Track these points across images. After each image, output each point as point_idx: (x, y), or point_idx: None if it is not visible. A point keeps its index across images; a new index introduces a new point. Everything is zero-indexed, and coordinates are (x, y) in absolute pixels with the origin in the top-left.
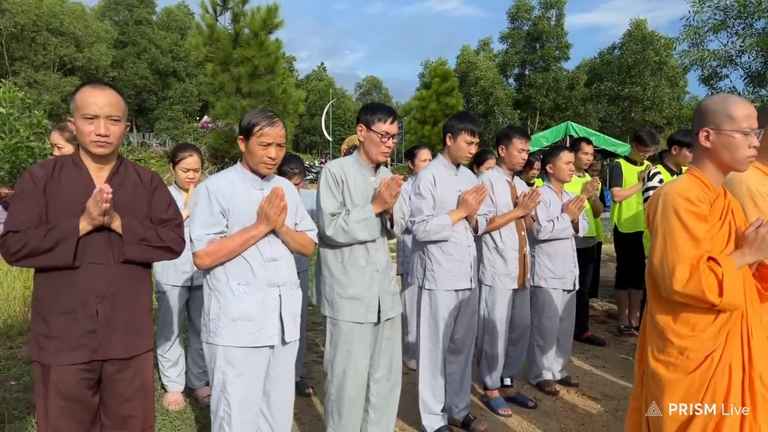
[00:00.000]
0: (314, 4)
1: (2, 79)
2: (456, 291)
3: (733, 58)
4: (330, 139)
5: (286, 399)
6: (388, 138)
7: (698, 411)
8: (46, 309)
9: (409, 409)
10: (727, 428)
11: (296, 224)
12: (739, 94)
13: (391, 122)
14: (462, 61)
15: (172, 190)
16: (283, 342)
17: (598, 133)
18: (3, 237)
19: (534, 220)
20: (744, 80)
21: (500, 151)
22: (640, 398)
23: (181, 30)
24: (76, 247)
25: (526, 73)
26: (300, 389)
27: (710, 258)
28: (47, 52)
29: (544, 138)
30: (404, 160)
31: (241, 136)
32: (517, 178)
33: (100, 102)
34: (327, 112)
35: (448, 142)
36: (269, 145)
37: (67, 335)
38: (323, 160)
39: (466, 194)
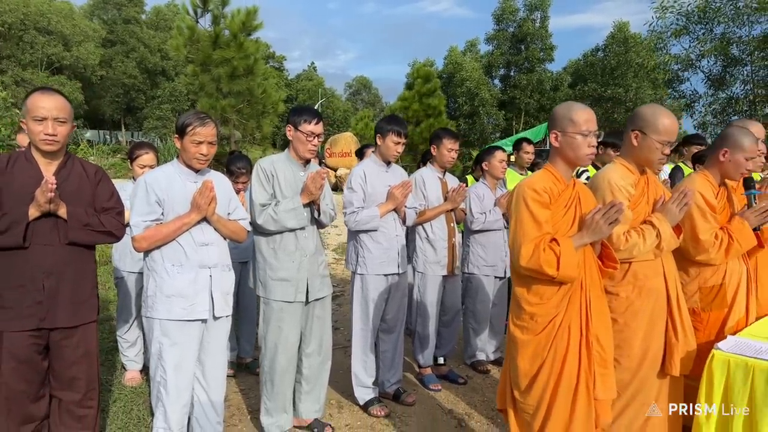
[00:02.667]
0: (307, 4)
1: None
2: (385, 275)
3: (693, 62)
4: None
5: (218, 367)
6: (314, 137)
7: (543, 366)
8: (0, 283)
9: (347, 383)
10: (566, 379)
11: (229, 214)
12: (700, 96)
13: (316, 123)
14: (449, 62)
15: (130, 183)
16: (214, 317)
17: None
18: None
19: (465, 214)
20: (705, 83)
21: (432, 150)
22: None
23: (170, 29)
24: (26, 230)
25: (512, 74)
26: (251, 369)
27: (553, 239)
28: (35, 51)
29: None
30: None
31: (176, 135)
32: (448, 174)
33: (48, 105)
34: None
35: (378, 141)
36: (201, 143)
37: (18, 306)
38: None
39: (393, 189)
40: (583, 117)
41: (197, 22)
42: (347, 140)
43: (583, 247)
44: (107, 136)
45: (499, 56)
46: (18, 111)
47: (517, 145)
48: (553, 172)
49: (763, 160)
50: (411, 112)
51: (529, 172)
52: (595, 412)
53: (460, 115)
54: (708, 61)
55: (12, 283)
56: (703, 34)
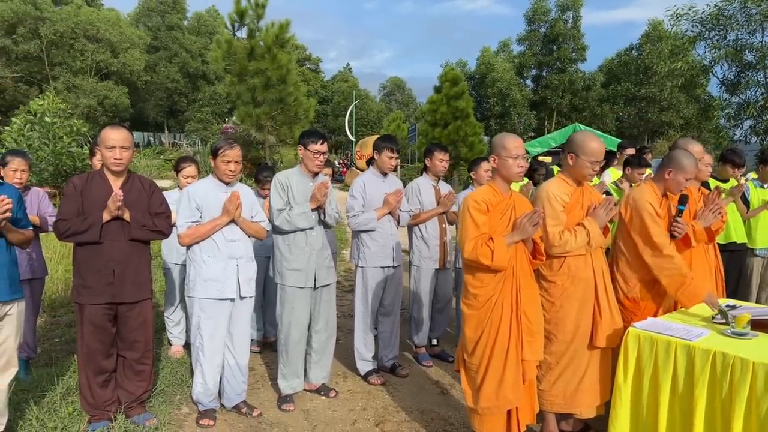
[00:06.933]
0: (343, 5)
1: (47, 92)
2: (382, 267)
3: (707, 67)
4: (353, 139)
5: (244, 337)
6: (320, 155)
7: (483, 334)
8: (82, 269)
9: (353, 359)
10: (499, 344)
11: (252, 217)
12: (715, 100)
13: (321, 143)
14: (482, 62)
15: (176, 191)
16: (240, 297)
17: (606, 135)
18: (56, 223)
19: (456, 216)
20: (720, 88)
21: (426, 162)
22: None
23: (210, 34)
24: (100, 230)
25: (543, 74)
26: (274, 347)
27: (490, 237)
28: (84, 58)
29: (552, 140)
30: (414, 161)
31: (211, 156)
32: (441, 181)
33: (116, 137)
34: (350, 113)
35: (375, 157)
36: (229, 161)
37: (95, 285)
38: (342, 161)
39: (388, 196)
40: (512, 144)
41: (234, 35)
42: None
43: (515, 243)
44: (151, 138)
45: (530, 57)
46: (75, 122)
47: None
48: (494, 186)
49: (710, 171)
50: (439, 114)
51: (525, 179)
52: (523, 369)
53: (491, 115)
54: (722, 67)
55: (91, 269)
56: (717, 40)
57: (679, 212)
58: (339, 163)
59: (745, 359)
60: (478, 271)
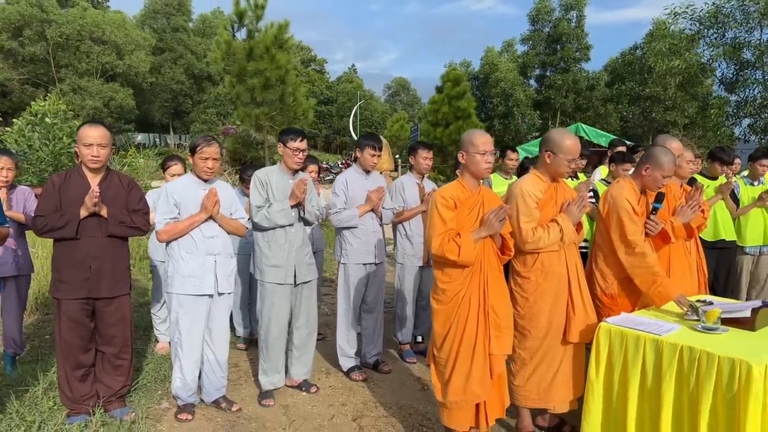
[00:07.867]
0: (349, 7)
1: (51, 94)
2: (364, 264)
3: (705, 66)
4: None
5: (222, 333)
6: (299, 152)
7: (451, 328)
8: (60, 264)
9: (334, 355)
10: (466, 339)
11: (231, 214)
12: (714, 98)
13: (300, 141)
14: (486, 62)
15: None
16: (219, 293)
17: (608, 134)
18: (34, 219)
19: None
20: (718, 86)
21: (411, 160)
22: None
23: (215, 36)
24: (77, 226)
25: (547, 74)
26: (256, 343)
27: (458, 233)
28: (90, 60)
29: None
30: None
31: (189, 153)
32: (426, 179)
33: (93, 135)
34: (354, 113)
35: (358, 154)
36: (207, 158)
37: (72, 281)
38: (344, 162)
39: (370, 193)
40: (480, 140)
41: (234, 36)
42: None
43: (483, 239)
44: (156, 140)
45: (534, 57)
46: (75, 123)
47: (501, 152)
48: (462, 182)
49: (692, 167)
50: (441, 114)
51: (515, 177)
52: (490, 363)
53: (495, 115)
54: (720, 65)
55: (68, 264)
56: (716, 38)
57: (654, 210)
58: (342, 164)
59: (711, 353)
60: (446, 267)
